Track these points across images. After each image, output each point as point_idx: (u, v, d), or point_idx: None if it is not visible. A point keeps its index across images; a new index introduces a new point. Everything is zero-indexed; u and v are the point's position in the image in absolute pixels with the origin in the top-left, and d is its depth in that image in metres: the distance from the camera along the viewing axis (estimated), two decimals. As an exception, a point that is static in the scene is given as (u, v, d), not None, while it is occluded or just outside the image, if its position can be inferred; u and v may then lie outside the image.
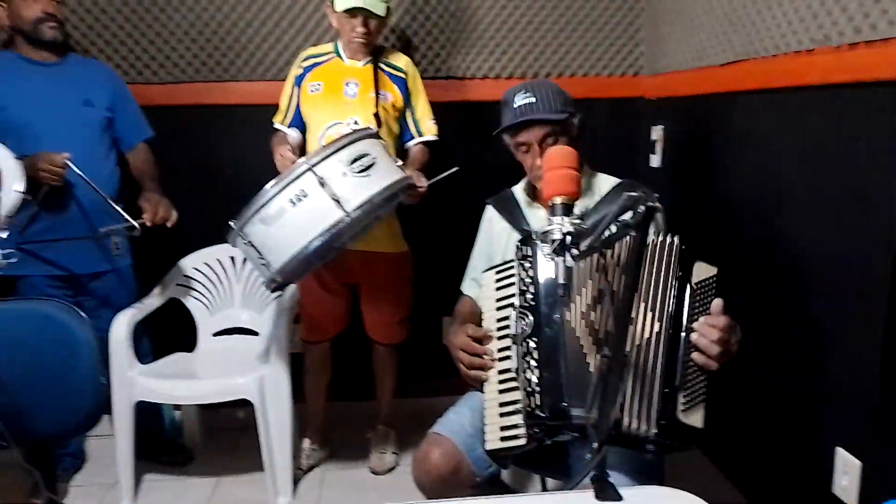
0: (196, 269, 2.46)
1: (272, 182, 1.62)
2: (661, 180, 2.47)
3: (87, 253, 2.15)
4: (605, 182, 1.61)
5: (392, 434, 2.44)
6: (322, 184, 1.61)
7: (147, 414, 2.24)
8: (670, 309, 1.15)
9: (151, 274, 2.40)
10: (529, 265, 1.31)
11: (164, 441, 2.45)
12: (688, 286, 1.16)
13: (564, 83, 1.66)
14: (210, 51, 2.48)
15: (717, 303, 1.16)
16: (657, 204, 0.97)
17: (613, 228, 1.05)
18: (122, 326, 2.11)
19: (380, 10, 2.04)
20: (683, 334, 1.15)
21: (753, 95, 1.90)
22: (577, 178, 1.10)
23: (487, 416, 1.36)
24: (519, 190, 1.70)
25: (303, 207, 1.61)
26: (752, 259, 1.94)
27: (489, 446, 1.35)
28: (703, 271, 1.19)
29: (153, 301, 2.31)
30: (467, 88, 2.58)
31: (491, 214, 1.71)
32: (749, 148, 1.94)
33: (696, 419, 1.13)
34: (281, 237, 1.63)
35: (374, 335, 2.33)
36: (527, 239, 1.36)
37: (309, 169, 1.62)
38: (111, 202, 2.02)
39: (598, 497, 0.90)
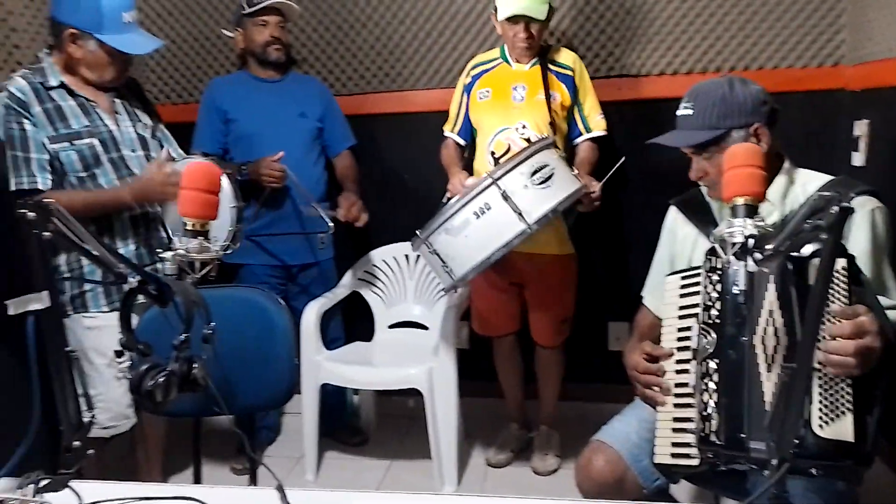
0: (375, 266, 2.64)
1: (457, 196, 1.71)
2: (865, 180, 2.20)
3: (298, 247, 2.44)
4: (812, 181, 1.44)
5: (555, 437, 2.43)
6: (505, 197, 1.68)
7: (331, 396, 2.46)
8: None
9: (347, 267, 2.64)
10: (718, 278, 1.22)
11: (344, 422, 2.65)
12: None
13: (753, 76, 1.54)
14: (392, 62, 2.64)
15: (836, 310, 1.04)
16: (857, 202, 0.88)
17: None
18: (311, 315, 2.33)
19: (541, 14, 2.05)
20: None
21: None
22: (762, 178, 1.03)
23: (659, 428, 1.32)
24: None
25: (486, 220, 1.70)
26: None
27: (658, 460, 1.30)
28: None
29: (339, 292, 2.53)
30: (643, 86, 2.49)
31: (675, 217, 1.59)
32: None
33: (841, 431, 1.00)
34: (464, 247, 1.73)
35: (536, 337, 2.34)
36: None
37: (493, 182, 1.69)
38: (314, 204, 2.28)
39: (776, 518, 0.84)
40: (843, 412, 1.02)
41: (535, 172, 1.71)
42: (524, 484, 2.31)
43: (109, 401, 1.82)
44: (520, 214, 1.67)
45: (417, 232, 1.80)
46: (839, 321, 1.04)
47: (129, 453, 2.07)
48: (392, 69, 2.65)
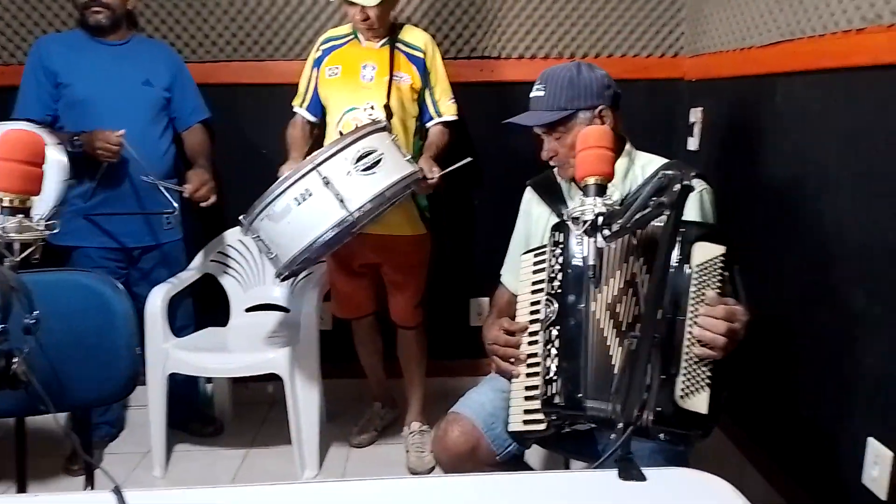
0: (230, 246, 2.50)
1: (278, 181, 1.64)
2: (698, 164, 2.41)
3: (139, 227, 2.23)
4: (650, 164, 1.55)
5: (429, 433, 2.35)
6: (326, 183, 1.63)
7: (182, 385, 2.30)
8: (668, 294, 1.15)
9: (198, 248, 2.47)
10: (560, 252, 1.30)
11: (197, 412, 2.51)
12: (686, 268, 1.17)
13: (602, 63, 1.61)
14: (248, 30, 2.49)
15: (710, 295, 1.16)
16: (692, 183, 0.95)
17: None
18: (156, 300, 2.16)
19: (371, 0, 1.96)
20: (683, 318, 1.16)
21: (797, 77, 1.84)
22: (611, 159, 1.08)
23: (513, 397, 1.38)
24: None
25: (307, 206, 1.64)
26: (790, 245, 1.89)
27: (512, 427, 1.37)
28: (706, 252, 1.18)
29: (188, 276, 2.36)
30: (501, 69, 2.54)
31: (530, 197, 1.66)
32: (791, 131, 1.88)
33: (697, 404, 1.13)
34: (287, 234, 1.67)
35: (395, 319, 2.32)
36: (561, 224, 1.34)
37: (314, 168, 1.63)
38: (157, 182, 2.09)
39: (621, 477, 0.89)
40: (701, 388, 1.14)
41: (360, 158, 1.67)
42: (388, 463, 2.30)
43: None
44: (341, 201, 1.63)
45: (241, 217, 1.72)
46: (715, 305, 1.15)
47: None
48: (248, 37, 2.50)
